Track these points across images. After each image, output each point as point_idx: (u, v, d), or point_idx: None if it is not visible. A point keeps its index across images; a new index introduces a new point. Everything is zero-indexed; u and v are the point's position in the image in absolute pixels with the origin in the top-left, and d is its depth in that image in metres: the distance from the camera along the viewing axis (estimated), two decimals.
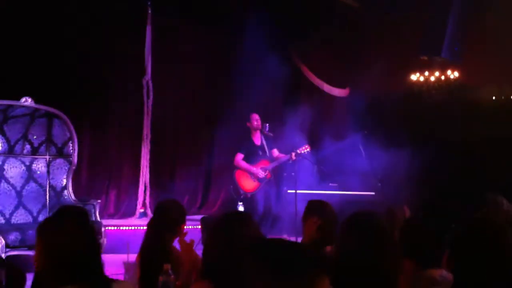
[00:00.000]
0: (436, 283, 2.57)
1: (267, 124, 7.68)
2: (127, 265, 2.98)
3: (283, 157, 7.67)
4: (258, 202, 7.54)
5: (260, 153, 7.68)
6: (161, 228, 3.37)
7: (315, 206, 3.44)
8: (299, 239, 7.24)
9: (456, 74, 8.97)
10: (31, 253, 5.92)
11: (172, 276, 2.80)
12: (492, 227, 2.12)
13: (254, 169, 7.55)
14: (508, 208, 3.59)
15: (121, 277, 5.53)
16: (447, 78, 9.04)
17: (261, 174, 7.53)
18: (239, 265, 2.04)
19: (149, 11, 8.46)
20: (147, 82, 8.56)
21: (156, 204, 3.77)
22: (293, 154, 7.55)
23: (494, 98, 9.66)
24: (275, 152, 7.72)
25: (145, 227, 7.37)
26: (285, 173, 8.61)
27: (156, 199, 8.78)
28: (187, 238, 3.19)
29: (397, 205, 3.94)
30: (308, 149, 7.61)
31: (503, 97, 9.67)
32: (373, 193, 8.73)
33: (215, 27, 9.05)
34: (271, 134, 7.73)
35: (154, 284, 2.80)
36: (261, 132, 7.68)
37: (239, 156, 7.59)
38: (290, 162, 7.70)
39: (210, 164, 9.44)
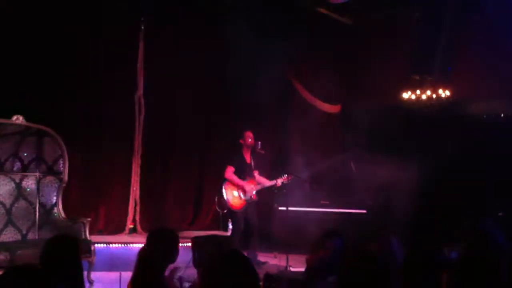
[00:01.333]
0: None
1: (260, 142, 7.68)
2: None
3: (268, 182, 7.75)
4: (239, 220, 7.58)
5: (248, 171, 7.71)
6: (154, 257, 3.32)
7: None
8: (290, 256, 7.30)
9: (448, 92, 9.01)
10: None
11: None
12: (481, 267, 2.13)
13: (245, 183, 7.55)
14: (503, 241, 3.48)
15: None
16: (438, 96, 9.08)
17: (250, 190, 7.55)
18: None
19: (142, 27, 8.46)
20: (139, 98, 8.55)
21: (149, 231, 3.72)
22: (279, 181, 7.67)
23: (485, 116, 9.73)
24: (256, 174, 7.76)
25: (135, 245, 7.38)
26: (276, 191, 8.59)
27: (147, 215, 8.75)
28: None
29: (383, 236, 3.87)
30: (290, 179, 7.67)
31: (493, 115, 9.73)
32: (364, 211, 8.73)
33: (208, 42, 9.04)
34: (263, 152, 7.73)
35: None
36: (253, 150, 7.69)
37: (230, 169, 7.59)
38: (274, 188, 7.75)
39: (201, 180, 9.41)
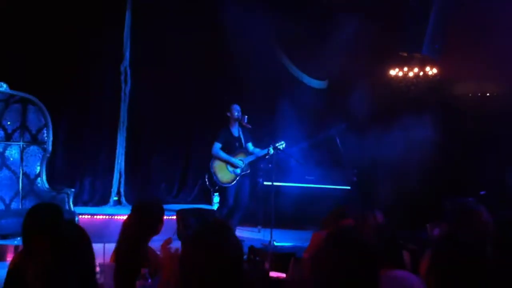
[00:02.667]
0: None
1: (246, 116, 7.64)
2: (102, 266, 2.92)
3: (260, 151, 7.67)
4: (229, 195, 7.54)
5: (237, 144, 7.66)
6: (138, 229, 3.31)
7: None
8: (274, 231, 7.35)
9: (435, 70, 9.02)
10: (4, 242, 5.83)
11: (150, 281, 2.77)
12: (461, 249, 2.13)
13: (233, 159, 7.52)
14: (487, 219, 3.47)
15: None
16: (425, 74, 9.10)
17: (240, 164, 7.52)
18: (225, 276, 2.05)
19: None
20: (125, 69, 8.46)
21: (134, 203, 3.70)
22: (270, 148, 7.56)
23: (470, 95, 9.78)
24: (250, 146, 7.71)
25: (119, 217, 7.37)
26: (262, 165, 8.60)
27: (132, 187, 8.73)
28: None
29: (369, 210, 3.90)
30: (284, 145, 7.62)
31: (479, 94, 9.78)
32: (348, 187, 8.79)
33: (198, 15, 8.93)
34: (249, 126, 7.70)
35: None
36: (240, 123, 7.65)
37: (217, 146, 7.55)
38: (267, 156, 7.70)
39: (187, 152, 9.37)
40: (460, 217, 3.59)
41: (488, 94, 9.68)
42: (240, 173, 7.54)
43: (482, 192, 8.17)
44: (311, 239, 4.22)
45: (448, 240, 2.29)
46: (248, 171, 7.66)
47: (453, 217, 3.67)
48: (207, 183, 7.85)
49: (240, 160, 7.56)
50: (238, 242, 2.26)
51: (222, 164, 7.54)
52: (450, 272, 2.07)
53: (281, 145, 7.60)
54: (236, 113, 7.58)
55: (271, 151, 7.56)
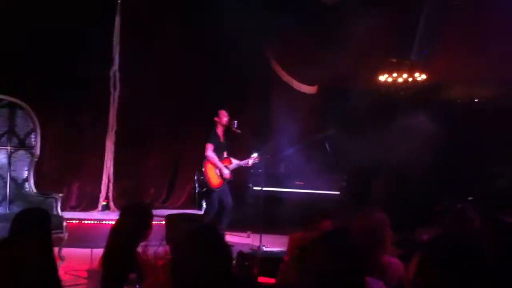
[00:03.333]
0: None
1: (236, 121, 7.66)
2: (90, 272, 2.89)
3: (239, 162, 7.88)
4: (215, 199, 7.68)
5: (223, 150, 7.75)
6: (127, 234, 3.28)
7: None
8: (263, 237, 7.34)
9: (424, 76, 9.07)
10: None
11: (137, 286, 2.74)
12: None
13: (223, 167, 7.60)
14: (471, 215, 3.47)
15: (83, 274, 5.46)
16: (414, 80, 9.15)
17: (227, 174, 7.62)
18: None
19: (119, 0, 8.30)
20: (115, 73, 8.42)
21: (123, 207, 3.68)
22: (250, 161, 7.83)
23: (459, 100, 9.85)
24: (225, 155, 7.83)
25: (107, 222, 7.31)
26: (252, 170, 8.60)
27: (120, 191, 8.68)
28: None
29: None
30: (257, 160, 7.81)
31: (467, 100, 9.85)
32: (338, 192, 8.78)
33: (187, 21, 8.93)
34: (239, 131, 7.72)
35: None
36: (229, 128, 7.68)
37: (211, 147, 7.65)
38: (249, 168, 8.00)
39: (176, 157, 9.34)
40: (453, 222, 3.60)
41: (476, 100, 9.75)
42: (226, 179, 7.64)
43: (470, 198, 8.24)
44: (288, 242, 4.23)
45: (439, 243, 2.29)
46: (231, 179, 7.78)
47: (446, 222, 3.68)
48: (196, 182, 7.90)
49: (226, 167, 7.68)
50: (227, 245, 2.26)
51: (213, 167, 7.61)
52: (440, 276, 2.05)
53: (255, 160, 7.82)
54: (224, 119, 7.62)
55: (250, 162, 7.81)
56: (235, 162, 7.86)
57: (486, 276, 2.05)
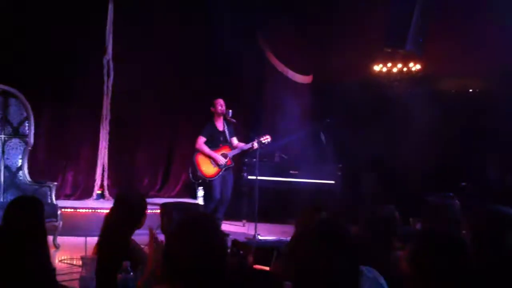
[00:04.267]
0: None
1: (230, 110, 7.63)
2: (84, 260, 2.89)
3: (244, 145, 7.68)
4: (215, 188, 7.52)
5: (222, 139, 7.67)
6: (121, 221, 3.28)
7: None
8: (258, 225, 7.36)
9: (418, 66, 9.08)
10: None
11: (132, 274, 2.74)
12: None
13: (216, 154, 7.51)
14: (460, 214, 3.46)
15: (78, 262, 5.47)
16: (409, 70, 9.15)
17: (222, 160, 7.50)
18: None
19: None
20: (108, 62, 8.39)
21: (116, 194, 3.68)
22: (255, 142, 7.55)
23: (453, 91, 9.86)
24: (234, 140, 7.72)
25: (102, 210, 7.32)
26: (246, 159, 8.61)
27: (115, 180, 8.68)
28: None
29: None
30: (269, 139, 7.62)
31: (463, 90, 9.86)
32: (333, 181, 8.81)
33: (183, 9, 8.89)
34: (234, 120, 7.69)
35: (113, 281, 2.74)
36: (224, 118, 7.64)
37: (201, 140, 7.55)
38: (251, 150, 7.71)
39: (171, 147, 9.33)
40: (433, 212, 3.59)
41: (471, 90, 9.76)
42: (224, 166, 7.53)
43: (463, 184, 8.29)
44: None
45: (426, 236, 2.30)
46: (232, 165, 7.66)
47: (428, 213, 3.68)
48: (191, 176, 7.86)
49: (223, 154, 7.56)
50: (222, 234, 2.26)
51: (205, 158, 7.53)
52: (429, 268, 2.07)
53: (266, 139, 7.59)
54: (219, 107, 7.57)
55: (256, 145, 7.56)
56: (239, 146, 7.66)
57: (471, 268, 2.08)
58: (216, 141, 7.62)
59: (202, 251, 2.11)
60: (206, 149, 7.52)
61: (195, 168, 7.56)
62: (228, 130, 7.69)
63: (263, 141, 7.57)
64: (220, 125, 7.68)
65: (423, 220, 3.76)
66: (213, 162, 7.54)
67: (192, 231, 2.17)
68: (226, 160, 7.55)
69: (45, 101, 7.98)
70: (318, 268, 2.04)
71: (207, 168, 7.53)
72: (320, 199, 7.90)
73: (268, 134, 7.69)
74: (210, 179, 7.51)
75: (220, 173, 7.52)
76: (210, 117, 7.70)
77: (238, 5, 8.56)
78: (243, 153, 7.98)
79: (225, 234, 2.49)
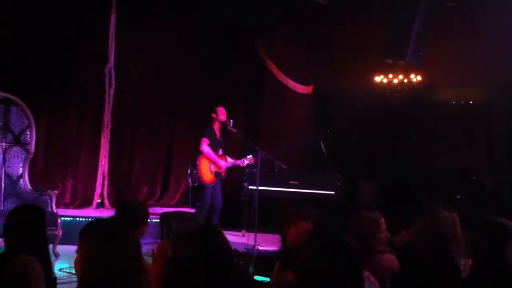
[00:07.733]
0: None
1: (232, 120, 7.66)
2: None
3: (235, 161, 7.85)
4: (208, 195, 7.63)
5: (218, 147, 7.73)
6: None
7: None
8: (258, 236, 7.33)
9: (419, 78, 9.10)
10: None
11: None
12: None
13: (220, 160, 7.59)
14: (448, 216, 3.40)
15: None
16: (410, 81, 9.18)
17: (223, 164, 7.62)
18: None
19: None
20: (110, 71, 8.41)
21: (118, 204, 3.67)
22: (244, 161, 7.77)
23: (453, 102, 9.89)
24: (220, 152, 7.80)
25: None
26: (247, 170, 8.60)
27: (115, 189, 8.67)
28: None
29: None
30: (252, 161, 7.76)
31: (462, 102, 9.89)
32: (332, 192, 8.79)
33: (182, 18, 8.93)
34: (235, 130, 7.72)
35: None
36: (225, 126, 7.68)
37: (206, 141, 7.59)
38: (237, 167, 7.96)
39: (170, 156, 9.33)
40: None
41: (471, 102, 9.79)
42: (219, 176, 7.62)
43: (458, 196, 8.30)
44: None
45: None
46: (225, 177, 7.81)
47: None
48: (189, 176, 7.91)
49: (224, 163, 7.66)
50: (228, 245, 2.23)
51: (206, 163, 7.57)
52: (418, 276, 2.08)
53: (250, 161, 7.76)
54: (222, 116, 7.62)
55: (245, 162, 7.78)
56: (230, 160, 7.84)
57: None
58: (214, 148, 7.68)
59: (206, 266, 2.09)
60: (212, 153, 7.56)
61: (196, 169, 7.62)
62: (222, 139, 7.78)
63: (247, 162, 7.76)
64: (218, 133, 7.74)
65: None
66: (211, 169, 7.59)
67: (198, 240, 2.16)
68: (223, 170, 7.68)
69: (46, 110, 8.00)
70: (320, 274, 2.03)
71: (206, 173, 7.62)
72: (318, 209, 7.89)
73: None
74: (206, 184, 7.61)
75: (214, 182, 7.60)
76: (210, 122, 7.74)
77: (237, 12, 8.62)
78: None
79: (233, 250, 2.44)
